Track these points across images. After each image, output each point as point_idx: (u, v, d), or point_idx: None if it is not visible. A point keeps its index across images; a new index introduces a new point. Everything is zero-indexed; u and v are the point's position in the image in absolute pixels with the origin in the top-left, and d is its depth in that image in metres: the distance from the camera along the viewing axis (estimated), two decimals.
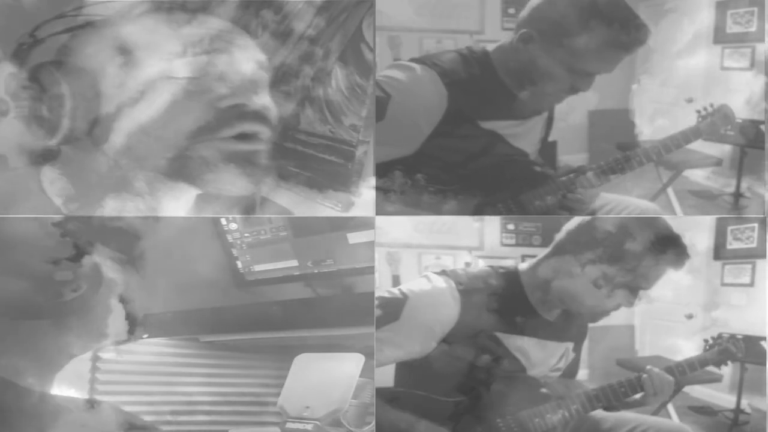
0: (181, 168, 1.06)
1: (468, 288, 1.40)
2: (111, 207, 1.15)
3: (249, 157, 1.09)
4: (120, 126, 1.05)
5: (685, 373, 1.46)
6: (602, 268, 1.38)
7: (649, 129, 1.67)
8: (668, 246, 1.39)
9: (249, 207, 1.33)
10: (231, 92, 1.05)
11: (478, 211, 1.46)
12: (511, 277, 1.45)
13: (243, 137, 1.08)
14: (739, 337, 1.49)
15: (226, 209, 1.30)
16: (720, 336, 1.48)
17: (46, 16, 1.10)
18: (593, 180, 1.46)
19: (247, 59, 1.09)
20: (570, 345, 1.49)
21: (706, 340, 1.48)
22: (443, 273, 1.43)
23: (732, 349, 1.47)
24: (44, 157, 1.15)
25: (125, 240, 1.19)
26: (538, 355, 1.43)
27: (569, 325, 1.47)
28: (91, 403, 1.02)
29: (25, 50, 1.07)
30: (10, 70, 1.08)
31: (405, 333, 1.37)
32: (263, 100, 1.10)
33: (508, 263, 1.49)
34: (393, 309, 1.37)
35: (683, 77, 1.74)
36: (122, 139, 1.06)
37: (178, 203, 1.17)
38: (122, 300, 1.17)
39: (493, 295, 1.41)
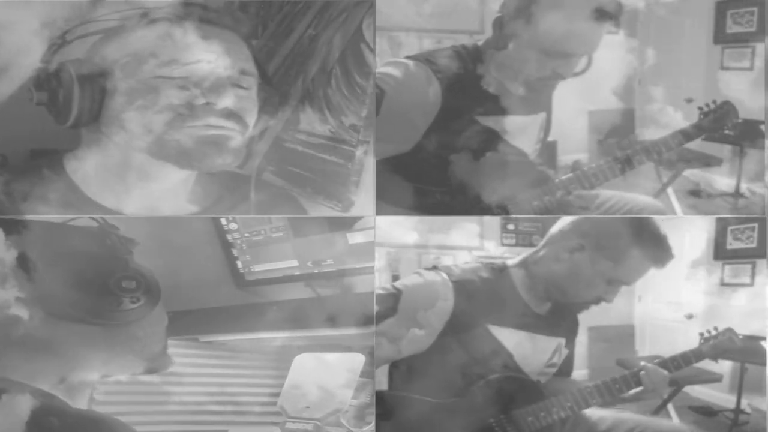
0: (160, 149, 1.22)
1: (461, 279, 1.41)
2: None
3: (216, 141, 1.23)
4: (113, 111, 1.23)
5: (680, 367, 1.45)
6: (589, 254, 1.39)
7: (649, 130, 1.67)
8: (653, 244, 1.40)
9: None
10: (204, 92, 1.22)
11: (478, 211, 1.46)
12: (502, 271, 1.46)
13: (211, 126, 1.23)
14: (740, 336, 1.48)
15: (224, 188, 1.39)
16: (716, 329, 1.48)
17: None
18: (592, 179, 1.46)
19: (228, 65, 1.24)
20: (562, 341, 1.49)
21: (701, 334, 1.48)
22: (434, 268, 1.44)
23: (727, 343, 1.47)
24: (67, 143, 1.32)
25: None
26: (530, 349, 1.43)
27: (560, 319, 1.48)
28: None
29: (55, 49, 1.25)
30: (38, 65, 1.25)
31: (404, 326, 1.38)
32: (229, 102, 1.24)
33: (499, 259, 1.51)
34: (389, 304, 1.38)
35: (683, 78, 1.74)
36: (115, 120, 1.23)
37: (170, 183, 1.30)
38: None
39: (485, 288, 1.42)
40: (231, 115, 1.24)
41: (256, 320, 1.52)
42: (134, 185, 1.27)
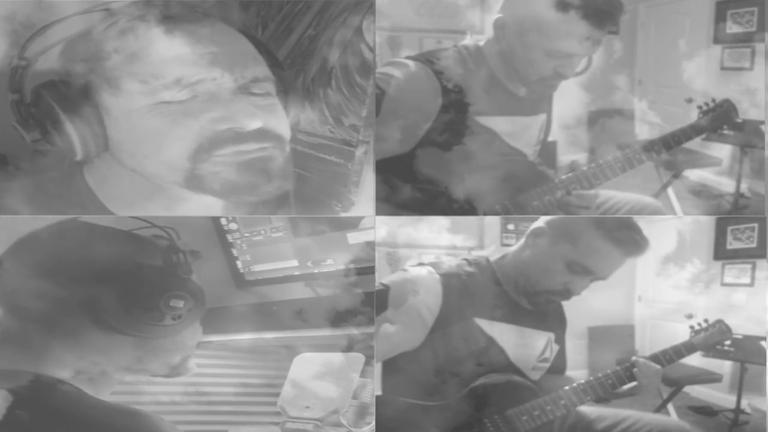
0: (199, 184, 1.08)
1: (447, 273, 1.43)
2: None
3: (260, 166, 1.09)
4: (123, 147, 1.09)
5: (672, 360, 1.46)
6: (549, 237, 1.40)
7: (649, 129, 1.67)
8: (617, 226, 1.40)
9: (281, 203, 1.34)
10: (224, 115, 1.06)
11: (478, 211, 1.46)
12: (485, 266, 1.47)
13: (244, 152, 1.09)
14: (739, 335, 1.48)
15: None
16: (706, 322, 1.49)
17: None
18: (592, 179, 1.47)
19: (242, 77, 1.09)
20: (551, 335, 1.49)
21: (692, 327, 1.49)
22: (420, 264, 1.46)
23: (718, 335, 1.47)
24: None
25: None
26: (520, 343, 1.44)
27: (544, 312, 1.48)
28: None
29: (21, 74, 1.05)
30: (12, 97, 1.06)
31: (395, 320, 1.39)
32: (259, 123, 1.09)
33: (482, 254, 1.52)
34: (378, 300, 1.39)
35: (683, 77, 1.74)
36: (129, 158, 1.10)
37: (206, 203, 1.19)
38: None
39: (471, 282, 1.43)
40: (262, 133, 1.09)
41: (256, 320, 1.52)
42: (166, 208, 1.17)
